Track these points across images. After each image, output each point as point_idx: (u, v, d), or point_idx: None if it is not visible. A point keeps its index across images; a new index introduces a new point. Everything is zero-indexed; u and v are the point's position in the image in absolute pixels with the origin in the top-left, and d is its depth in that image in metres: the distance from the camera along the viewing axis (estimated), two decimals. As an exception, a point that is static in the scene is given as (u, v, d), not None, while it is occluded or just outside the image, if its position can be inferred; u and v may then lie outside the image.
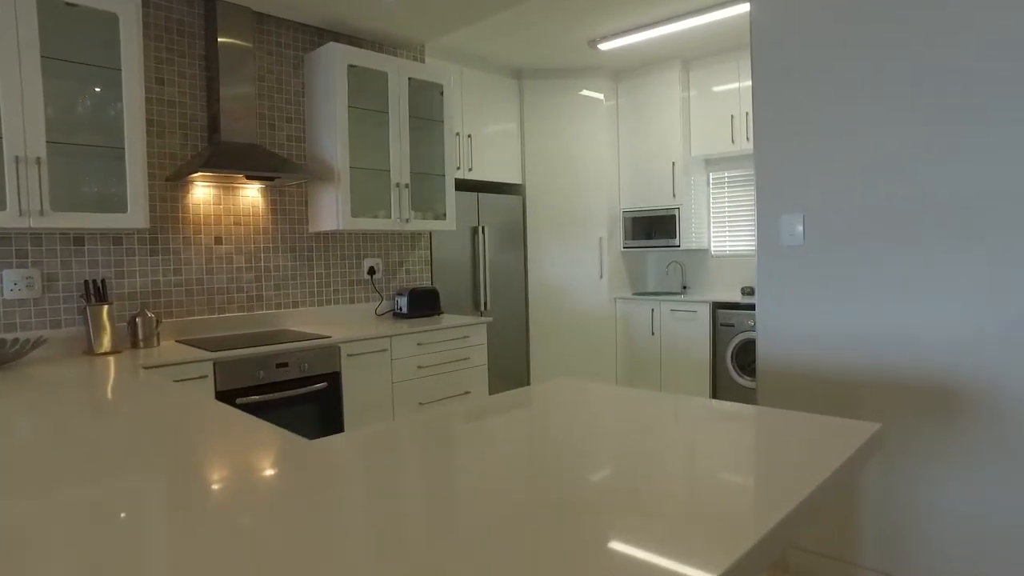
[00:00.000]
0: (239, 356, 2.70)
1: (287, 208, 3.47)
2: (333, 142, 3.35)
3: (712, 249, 5.35)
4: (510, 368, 5.04)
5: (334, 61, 3.33)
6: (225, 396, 2.66)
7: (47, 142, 2.47)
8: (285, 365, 2.84)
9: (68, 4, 2.55)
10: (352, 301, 3.73)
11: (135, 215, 2.67)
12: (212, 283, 3.19)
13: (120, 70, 2.63)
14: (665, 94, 5.10)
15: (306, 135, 3.54)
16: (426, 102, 3.87)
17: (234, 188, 3.27)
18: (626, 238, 5.39)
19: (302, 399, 2.90)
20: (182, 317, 3.10)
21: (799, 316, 2.38)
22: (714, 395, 4.80)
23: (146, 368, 2.44)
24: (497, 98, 4.99)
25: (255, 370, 2.75)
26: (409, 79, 3.65)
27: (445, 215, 3.86)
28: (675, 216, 5.08)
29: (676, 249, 5.15)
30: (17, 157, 2.40)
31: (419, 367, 3.34)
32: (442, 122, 3.86)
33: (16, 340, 2.55)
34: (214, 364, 2.63)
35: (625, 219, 5.39)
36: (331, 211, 3.38)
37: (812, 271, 2.34)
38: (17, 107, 2.41)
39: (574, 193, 5.23)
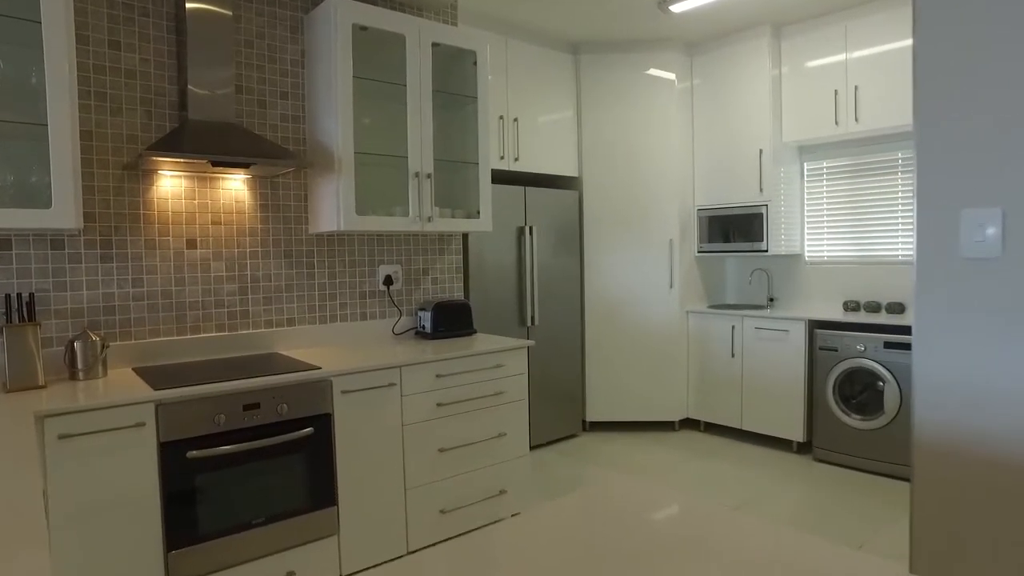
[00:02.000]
0: (191, 396, 2.05)
1: (281, 204, 2.82)
2: (335, 122, 2.68)
3: (806, 255, 4.44)
4: (562, 394, 4.28)
5: (337, 20, 2.66)
6: (172, 449, 2.02)
7: (-60, 115, 1.88)
8: (255, 407, 2.18)
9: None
10: (364, 318, 3.05)
11: (62, 212, 2.05)
12: (183, 296, 2.57)
13: (39, 23, 2.02)
14: (750, 68, 4.24)
15: (305, 114, 2.89)
16: (456, 75, 3.16)
17: (212, 179, 2.64)
18: (701, 241, 4.54)
19: (278, 451, 2.23)
20: (142, 339, 2.48)
21: (990, 365, 1.53)
22: (809, 434, 3.91)
23: (45, 417, 1.81)
24: (549, 76, 4.24)
25: (213, 414, 2.09)
26: (433, 44, 2.95)
27: (479, 213, 3.13)
28: (762, 215, 4.20)
29: (762, 255, 4.28)
30: None
31: (438, 404, 2.63)
32: (475, 99, 3.14)
33: (-79, 370, 1.98)
34: (156, 407, 1.99)
35: (700, 218, 4.54)
36: (332, 207, 2.70)
37: (1015, 295, 1.49)
38: None
39: (640, 188, 4.42)
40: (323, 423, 2.32)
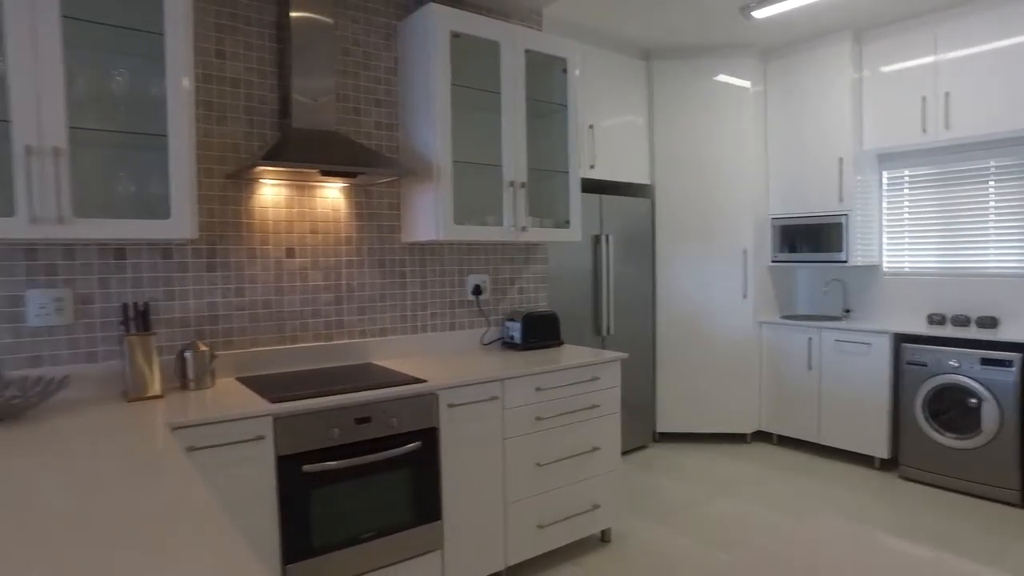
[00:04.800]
0: (307, 409, 2.02)
1: (376, 212, 2.79)
2: (431, 130, 2.65)
3: (885, 265, 4.30)
4: (633, 404, 4.20)
5: (434, 27, 2.63)
6: (288, 463, 1.99)
7: (68, 128, 1.88)
8: (367, 420, 2.14)
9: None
10: (453, 327, 3.01)
11: (179, 222, 2.04)
12: (282, 306, 2.56)
13: (163, 34, 2.02)
14: (829, 73, 4.12)
15: (399, 122, 2.86)
16: (544, 82, 3.11)
17: (310, 187, 2.63)
18: (775, 250, 4.43)
19: (387, 465, 2.19)
20: (245, 348, 2.47)
21: None
22: (894, 450, 3.78)
23: (176, 429, 1.79)
24: (621, 82, 4.18)
25: (327, 427, 2.06)
26: (526, 51, 2.90)
27: (568, 222, 3.07)
28: (841, 224, 4.09)
29: (838, 265, 4.15)
30: (28, 147, 1.82)
31: (537, 418, 2.58)
32: (565, 107, 3.08)
33: (39, 380, 1.99)
34: (274, 420, 1.96)
35: (774, 227, 4.43)
36: (429, 216, 2.67)
37: None
38: (28, 82, 1.83)
39: (712, 196, 4.33)
40: (429, 437, 2.28)
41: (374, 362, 2.72)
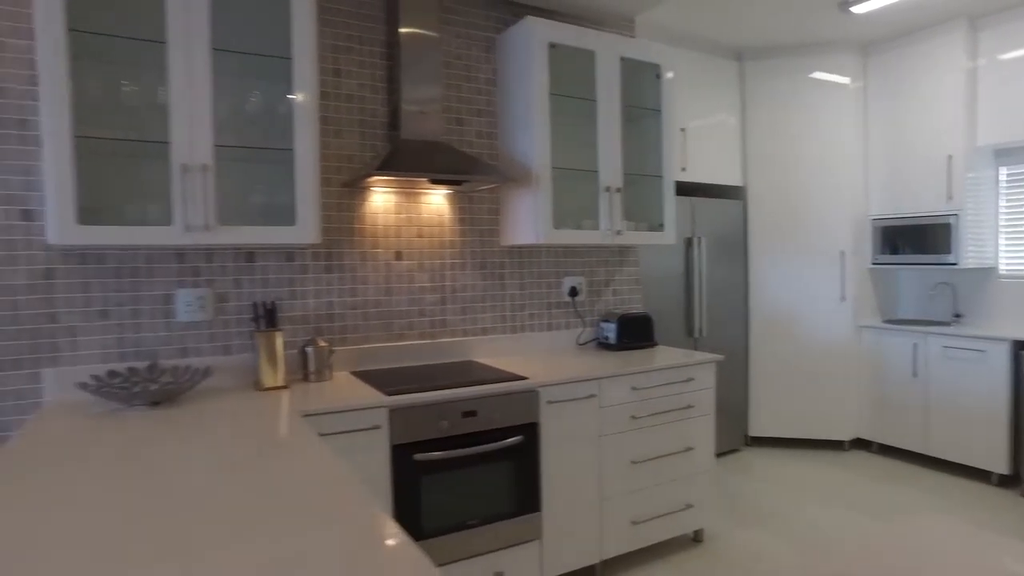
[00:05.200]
0: (419, 402, 2.17)
1: (477, 217, 2.93)
2: (530, 138, 2.76)
3: (1001, 268, 4.07)
4: (725, 407, 4.17)
5: (532, 40, 2.74)
6: (401, 452, 2.15)
7: (214, 146, 2.11)
8: (473, 414, 2.27)
9: (242, -13, 2.20)
10: (550, 328, 3.12)
11: (305, 228, 2.25)
12: (391, 305, 2.74)
13: (291, 59, 2.23)
14: (939, 66, 3.95)
15: (499, 130, 2.99)
16: (638, 88, 3.16)
17: (417, 194, 2.80)
18: (876, 252, 4.28)
19: (491, 457, 2.32)
20: (357, 344, 2.67)
21: None
22: (1016, 465, 3.57)
23: (307, 415, 1.98)
24: (713, 84, 4.16)
25: (437, 419, 2.21)
26: (621, 59, 2.97)
27: (663, 225, 3.12)
28: (950, 225, 3.90)
29: (948, 267, 3.96)
30: (184, 165, 2.07)
31: (633, 417, 2.64)
32: (659, 111, 3.13)
33: (187, 369, 2.24)
34: (390, 411, 2.13)
35: (875, 228, 4.28)
36: (529, 221, 2.78)
37: None
38: (184, 108, 2.07)
39: (808, 196, 4.24)
40: (530, 431, 2.39)
41: (475, 360, 2.86)
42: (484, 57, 2.97)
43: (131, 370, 2.22)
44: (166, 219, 2.10)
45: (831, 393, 4.24)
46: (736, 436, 4.25)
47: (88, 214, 2.05)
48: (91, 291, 2.25)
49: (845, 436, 4.25)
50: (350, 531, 1.05)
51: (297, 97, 2.24)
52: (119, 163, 2.23)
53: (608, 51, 2.92)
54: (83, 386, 1.98)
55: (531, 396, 2.39)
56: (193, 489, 1.26)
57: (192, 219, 2.08)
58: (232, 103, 2.36)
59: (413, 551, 0.96)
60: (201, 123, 2.09)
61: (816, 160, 4.22)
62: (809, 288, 4.25)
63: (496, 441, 2.31)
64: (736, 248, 4.24)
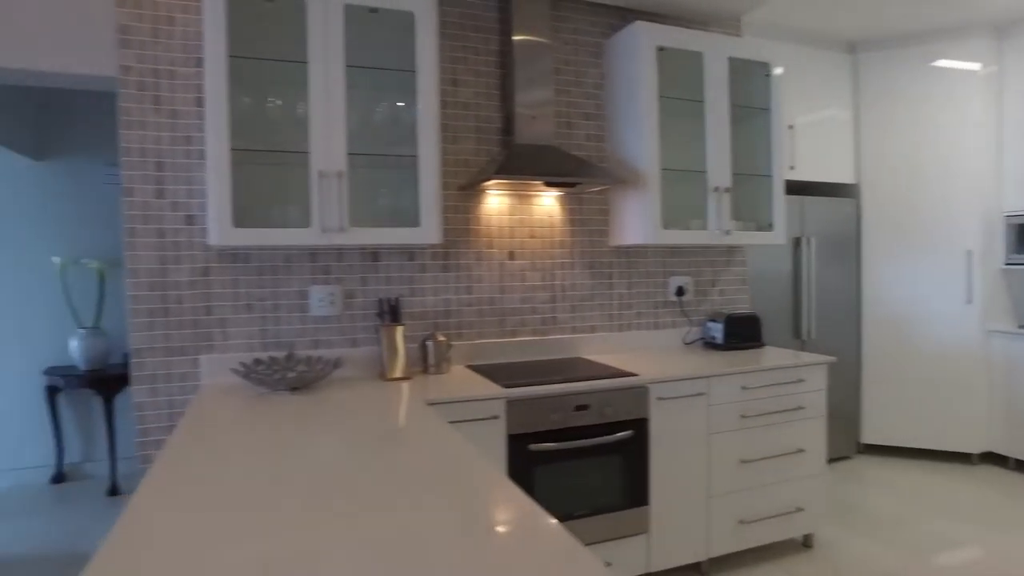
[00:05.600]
0: (534, 395, 2.28)
1: (586, 218, 3.02)
2: (639, 140, 2.82)
3: None
4: (835, 412, 4.04)
5: (640, 43, 2.79)
6: (517, 441, 2.26)
7: (347, 154, 2.31)
8: (585, 408, 2.36)
9: (370, 10, 2.39)
10: (656, 327, 3.16)
11: (428, 229, 2.41)
12: (504, 303, 2.87)
13: (415, 72, 2.40)
14: (1082, 51, 3.66)
15: (607, 133, 3.06)
16: (746, 86, 3.14)
17: (529, 196, 2.91)
18: (1010, 251, 4.01)
19: (601, 450, 2.40)
20: (472, 340, 2.81)
21: None
22: None
23: (431, 404, 2.13)
24: (824, 79, 4.04)
25: (551, 412, 2.31)
26: (729, 59, 2.96)
27: (771, 225, 3.09)
28: (1096, 220, 3.61)
29: (1093, 266, 3.66)
30: (321, 172, 2.28)
31: (742, 416, 2.64)
32: (768, 110, 3.10)
33: (319, 360, 2.45)
34: (507, 403, 2.25)
35: (1009, 226, 4.01)
36: (638, 221, 2.84)
37: None
38: (322, 120, 2.28)
39: (930, 193, 4.03)
40: (640, 427, 2.45)
41: (583, 356, 2.94)
42: (592, 62, 3.05)
43: (271, 359, 2.45)
44: (305, 221, 2.32)
45: (955, 402, 4.01)
46: (847, 443, 4.11)
47: (241, 218, 2.29)
48: (239, 287, 2.51)
49: (973, 449, 4.01)
50: (492, 502, 1.16)
51: (421, 107, 2.41)
52: (265, 172, 2.48)
53: (715, 52, 2.93)
54: (237, 372, 2.22)
55: (641, 392, 2.44)
56: (345, 461, 1.41)
57: (328, 221, 2.28)
58: (362, 114, 2.56)
59: (561, 531, 1.05)
60: (336, 133, 2.29)
61: (939, 153, 4.01)
62: (929, 290, 4.05)
63: (606, 435, 2.38)
64: (847, 247, 4.10)
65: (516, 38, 2.74)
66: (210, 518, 1.10)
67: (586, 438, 2.35)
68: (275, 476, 1.32)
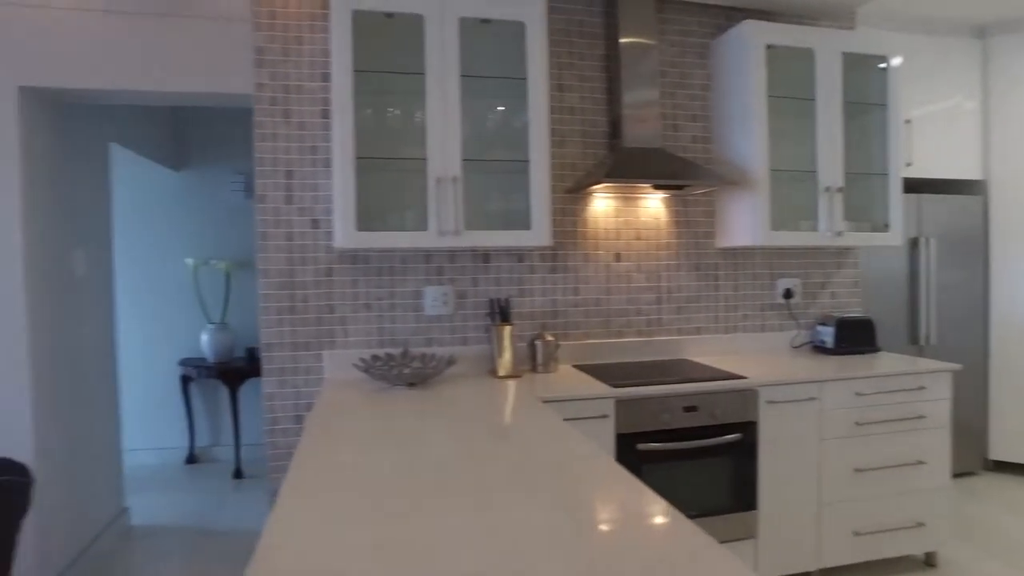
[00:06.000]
0: (643, 395, 2.31)
1: (692, 220, 3.01)
2: (748, 140, 2.78)
3: None
4: (959, 425, 3.81)
5: (749, 42, 2.75)
6: (625, 440, 2.30)
7: (462, 160, 2.42)
8: (693, 409, 2.36)
9: (482, 21, 2.48)
10: (762, 329, 3.10)
11: (538, 232, 2.48)
12: (610, 304, 2.91)
13: (526, 79, 2.48)
14: None
15: (713, 134, 3.04)
16: (860, 81, 3.03)
17: (635, 199, 2.94)
18: None
19: (709, 452, 2.39)
20: (578, 340, 2.87)
21: None
22: None
23: (544, 401, 2.20)
24: (946, 68, 3.82)
25: (659, 412, 2.33)
26: (842, 54, 2.87)
27: (887, 225, 2.96)
28: None
29: None
30: (438, 178, 2.39)
31: (857, 423, 2.56)
32: (884, 106, 2.98)
33: (433, 357, 2.57)
34: (616, 402, 2.29)
35: None
36: (746, 223, 2.81)
37: None
38: (440, 129, 2.39)
39: (1068, 189, 3.73)
40: (748, 430, 2.42)
41: (688, 358, 2.93)
42: (698, 63, 3.03)
43: (388, 355, 2.60)
44: (422, 225, 2.44)
45: (1096, 414, 3.70)
46: (972, 458, 3.87)
47: (363, 222, 2.45)
48: (358, 287, 2.68)
49: (1115, 465, 3.68)
50: (621, 498, 1.21)
51: (531, 113, 2.48)
52: (385, 178, 2.63)
53: (827, 47, 2.84)
54: (358, 367, 2.38)
55: (750, 395, 2.42)
56: (471, 453, 1.50)
57: (444, 225, 2.40)
58: (475, 121, 2.67)
59: (697, 529, 1.09)
60: (452, 140, 2.41)
61: (1079, 148, 3.71)
62: (1067, 294, 3.75)
63: (715, 437, 2.37)
64: (971, 248, 3.86)
65: (623, 41, 2.76)
66: (340, 499, 1.21)
67: (694, 439, 2.35)
68: (404, 465, 1.43)
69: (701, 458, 2.39)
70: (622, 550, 0.97)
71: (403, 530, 1.06)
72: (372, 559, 0.95)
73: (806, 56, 2.86)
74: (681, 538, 1.01)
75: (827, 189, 2.83)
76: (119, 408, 3.43)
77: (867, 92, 3.02)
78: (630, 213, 2.93)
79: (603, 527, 1.07)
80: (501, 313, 2.64)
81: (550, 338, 2.65)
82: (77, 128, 2.99)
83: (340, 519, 1.11)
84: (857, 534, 2.58)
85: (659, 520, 1.09)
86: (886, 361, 2.77)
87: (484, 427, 1.75)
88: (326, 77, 2.62)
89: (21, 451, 2.47)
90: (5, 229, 2.46)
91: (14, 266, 2.47)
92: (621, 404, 2.29)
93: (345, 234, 2.35)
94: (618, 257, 2.91)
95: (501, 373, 2.56)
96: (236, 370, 4.26)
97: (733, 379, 2.42)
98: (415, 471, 1.37)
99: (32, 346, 2.52)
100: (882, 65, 2.97)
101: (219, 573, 2.89)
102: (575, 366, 2.77)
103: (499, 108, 2.70)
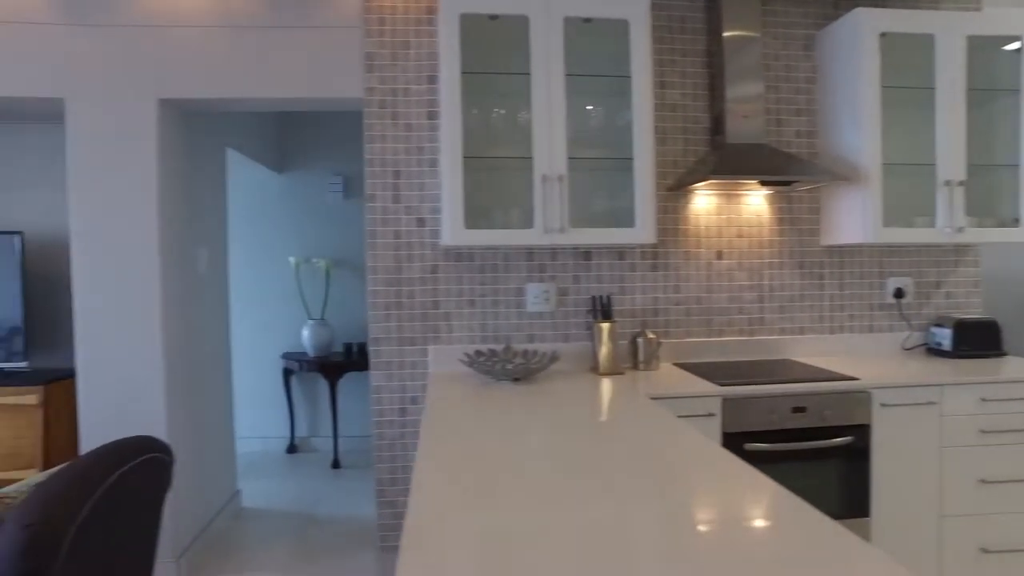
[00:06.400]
0: (750, 394, 2.27)
1: (796, 217, 2.93)
2: (858, 133, 2.68)
3: None
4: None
5: (861, 31, 2.65)
6: (732, 439, 2.26)
7: (568, 159, 2.44)
8: (802, 410, 2.31)
9: (584, 20, 2.50)
10: (871, 330, 2.98)
11: (643, 230, 2.48)
12: (711, 302, 2.87)
13: (629, 77, 2.48)
14: None
15: (819, 128, 2.94)
16: (984, 67, 2.87)
17: (737, 196, 2.88)
18: None
19: (819, 455, 2.33)
20: (679, 338, 2.84)
21: None
22: None
23: (652, 398, 2.19)
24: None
25: (767, 412, 2.29)
26: (967, 38, 2.72)
27: (1017, 220, 2.79)
28: None
29: None
30: (544, 176, 2.43)
31: (981, 431, 2.42)
32: (1014, 91, 2.80)
33: (535, 353, 2.61)
34: (722, 401, 2.26)
35: None
36: (854, 219, 2.71)
37: None
38: (544, 126, 2.43)
39: None
40: (861, 433, 2.34)
41: (792, 358, 2.86)
42: (803, 55, 2.95)
43: (490, 351, 2.65)
44: (528, 223, 2.48)
45: None
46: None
47: (470, 220, 2.51)
48: (463, 284, 2.75)
49: None
50: (752, 494, 1.21)
51: (635, 110, 2.48)
52: (491, 177, 2.69)
53: (950, 31, 2.70)
54: (464, 361, 2.44)
55: (863, 397, 2.34)
56: (586, 447, 1.53)
57: (550, 223, 2.43)
58: (579, 119, 2.69)
59: (837, 526, 1.08)
60: (557, 139, 2.44)
61: None
62: None
63: (824, 439, 2.30)
64: (1107, 246, 3.57)
65: (726, 34, 2.72)
66: (454, 491, 1.26)
67: (803, 441, 2.30)
68: (516, 456, 1.47)
69: (810, 460, 2.33)
70: (779, 548, 0.97)
71: (546, 516, 1.09)
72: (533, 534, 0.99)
73: (925, 42, 2.72)
74: (830, 537, 1.00)
75: (947, 183, 2.69)
76: (232, 397, 3.65)
77: (995, 77, 2.86)
78: (732, 210, 2.88)
79: (754, 523, 1.07)
80: (603, 310, 2.65)
81: (651, 336, 2.64)
82: (199, 135, 3.21)
83: (444, 507, 1.16)
84: (985, 551, 2.45)
85: (804, 518, 1.08)
86: (1015, 366, 2.62)
87: (599, 422, 1.77)
88: (432, 79, 2.70)
89: (157, 433, 2.68)
90: (146, 229, 2.67)
91: (152, 264, 2.68)
92: (728, 403, 2.26)
93: (453, 232, 2.42)
94: (720, 255, 2.86)
95: (602, 370, 2.57)
96: (335, 364, 4.45)
97: (845, 380, 2.34)
98: (546, 458, 1.41)
99: (165, 337, 2.72)
100: (1011, 47, 2.79)
101: (326, 556, 3.04)
102: (676, 364, 2.75)
103: (602, 107, 2.71)
